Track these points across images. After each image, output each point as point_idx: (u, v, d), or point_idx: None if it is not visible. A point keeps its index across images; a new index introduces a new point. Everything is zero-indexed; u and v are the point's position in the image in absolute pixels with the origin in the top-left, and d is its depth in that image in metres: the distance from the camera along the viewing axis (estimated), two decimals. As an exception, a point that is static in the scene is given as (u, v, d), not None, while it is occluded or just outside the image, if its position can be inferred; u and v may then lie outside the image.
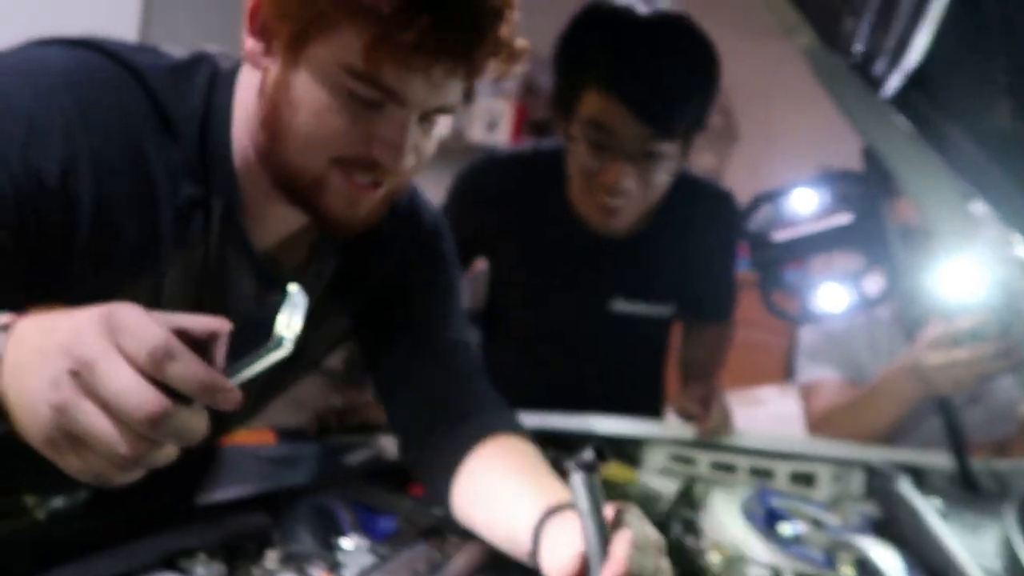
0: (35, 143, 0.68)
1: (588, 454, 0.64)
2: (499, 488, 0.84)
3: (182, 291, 0.80)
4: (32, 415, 0.50)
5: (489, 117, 4.11)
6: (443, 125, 0.80)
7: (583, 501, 0.64)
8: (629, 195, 1.26)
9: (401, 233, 0.97)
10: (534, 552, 0.73)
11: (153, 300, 0.78)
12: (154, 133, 0.75)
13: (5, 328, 0.53)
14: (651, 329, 1.54)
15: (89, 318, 0.50)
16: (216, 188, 0.79)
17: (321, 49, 0.70)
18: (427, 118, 0.76)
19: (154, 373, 0.48)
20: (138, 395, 0.47)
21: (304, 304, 0.57)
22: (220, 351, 0.53)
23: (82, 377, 0.48)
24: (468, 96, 0.79)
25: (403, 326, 0.99)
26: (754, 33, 3.22)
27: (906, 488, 1.04)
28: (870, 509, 1.21)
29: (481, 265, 1.70)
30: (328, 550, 0.87)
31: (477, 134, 4.11)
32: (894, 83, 0.76)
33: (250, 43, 0.75)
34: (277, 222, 0.84)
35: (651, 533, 0.68)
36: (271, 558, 0.82)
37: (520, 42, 0.77)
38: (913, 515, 1.05)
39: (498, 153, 1.56)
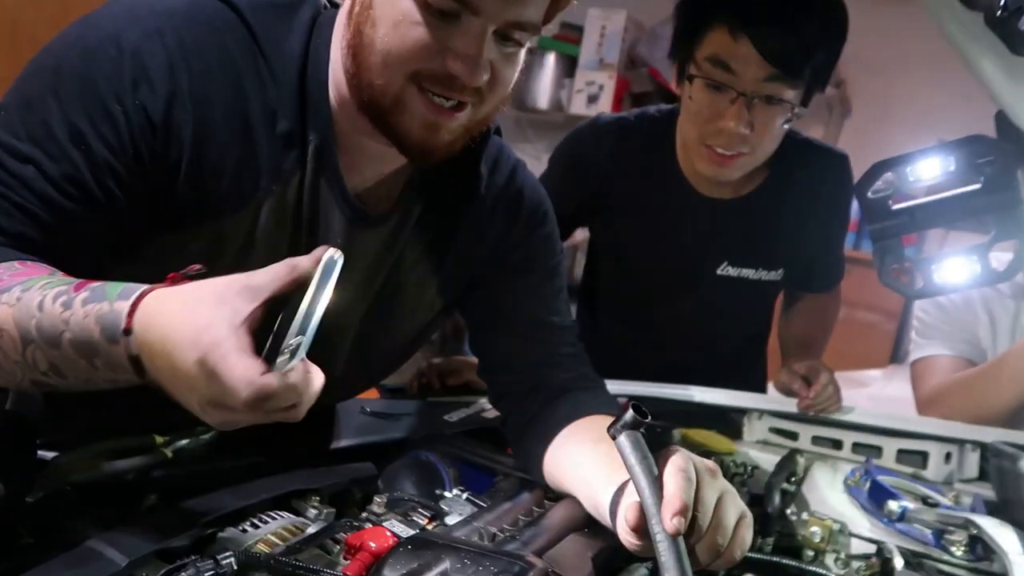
0: (142, 80, 0.73)
1: (629, 415, 0.65)
2: (584, 469, 0.85)
3: (276, 226, 0.83)
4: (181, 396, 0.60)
5: (590, 90, 4.07)
6: (522, 57, 0.80)
7: (629, 456, 0.65)
8: (744, 142, 1.24)
9: (501, 206, 0.98)
10: (613, 525, 0.74)
11: (249, 235, 0.82)
12: (254, 70, 0.79)
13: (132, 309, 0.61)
14: (757, 295, 1.51)
15: (189, 366, 0.57)
16: (312, 124, 0.81)
17: None
18: (507, 37, 0.76)
19: (257, 412, 0.58)
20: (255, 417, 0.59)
21: (337, 270, 0.60)
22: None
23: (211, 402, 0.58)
24: (547, 19, 0.78)
25: (504, 305, 1.01)
26: (872, 1, 3.07)
27: (1028, 469, 0.98)
28: (984, 492, 1.16)
29: (580, 236, 1.70)
30: (430, 499, 0.90)
31: (578, 107, 4.09)
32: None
33: None
34: (369, 164, 0.86)
35: (698, 460, 0.68)
36: (377, 503, 0.85)
37: None
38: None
39: (602, 117, 1.52)
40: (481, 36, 0.73)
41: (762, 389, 1.66)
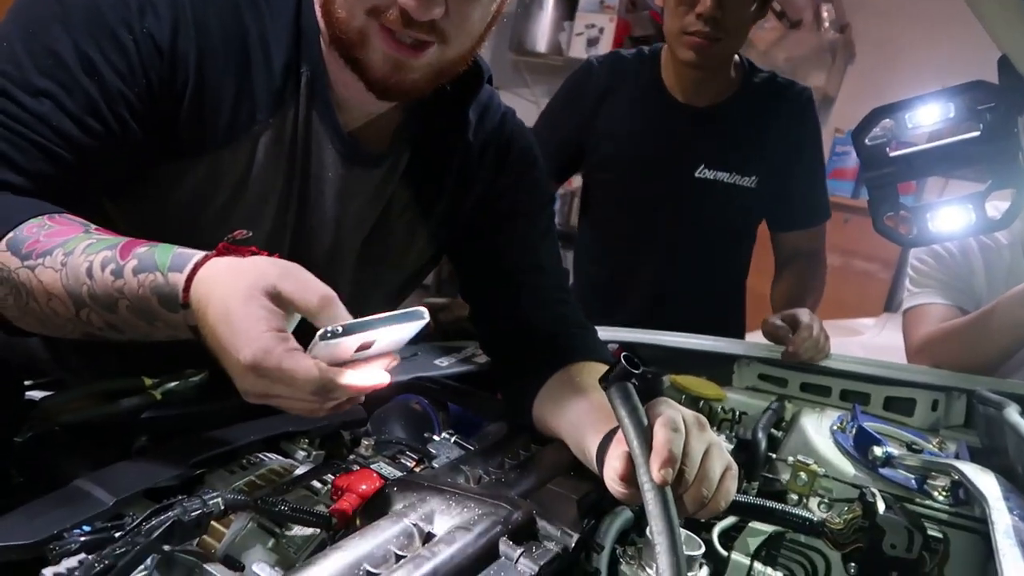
0: (147, 7, 0.73)
1: (620, 366, 0.65)
2: (573, 415, 0.85)
3: (273, 158, 0.83)
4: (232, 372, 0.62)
5: (590, 33, 4.00)
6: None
7: (619, 408, 0.65)
8: (718, 27, 1.48)
9: (490, 151, 0.98)
10: (600, 472, 0.75)
11: (246, 169, 0.82)
12: (251, 2, 0.79)
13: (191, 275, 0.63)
14: (732, 204, 1.65)
15: (243, 367, 0.59)
16: (306, 57, 0.82)
17: None
18: None
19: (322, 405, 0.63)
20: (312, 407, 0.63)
21: (421, 326, 0.63)
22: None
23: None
24: None
25: (492, 250, 1.01)
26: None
27: (1015, 416, 0.99)
28: (970, 439, 1.17)
29: (576, 182, 1.80)
30: (418, 443, 0.91)
31: (578, 50, 4.02)
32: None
33: None
34: (356, 102, 0.86)
35: (687, 413, 0.69)
36: (365, 446, 0.85)
37: None
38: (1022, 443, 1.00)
39: (599, 55, 1.76)
40: None
41: (742, 324, 1.81)
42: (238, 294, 0.60)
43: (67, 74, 0.70)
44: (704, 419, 0.70)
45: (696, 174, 1.62)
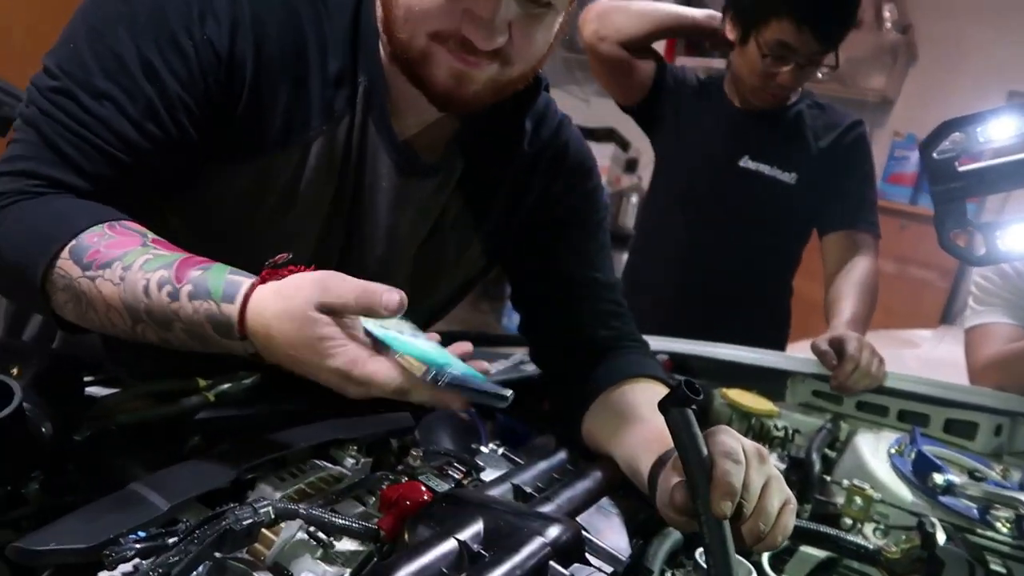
0: (208, 12, 0.73)
1: (679, 390, 0.63)
2: (625, 434, 0.84)
3: (326, 164, 0.83)
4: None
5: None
6: (556, 21, 0.79)
7: (680, 434, 0.63)
8: (793, 89, 1.68)
9: (545, 160, 0.97)
10: (652, 494, 0.74)
11: (296, 175, 0.82)
12: (310, 6, 0.79)
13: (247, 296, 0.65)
14: (774, 197, 1.75)
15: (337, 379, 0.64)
16: (363, 66, 0.82)
17: None
18: (533, 1, 0.74)
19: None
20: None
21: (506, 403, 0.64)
22: None
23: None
24: None
25: (546, 258, 1.00)
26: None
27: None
28: (1036, 467, 1.12)
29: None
30: (466, 454, 0.90)
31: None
32: None
33: None
34: (413, 111, 0.86)
35: (747, 444, 0.67)
36: (413, 456, 0.85)
37: None
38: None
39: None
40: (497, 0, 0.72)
41: (783, 339, 1.89)
42: (295, 321, 0.62)
43: (129, 79, 0.71)
44: (765, 451, 0.68)
45: (740, 163, 1.76)
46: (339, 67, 0.81)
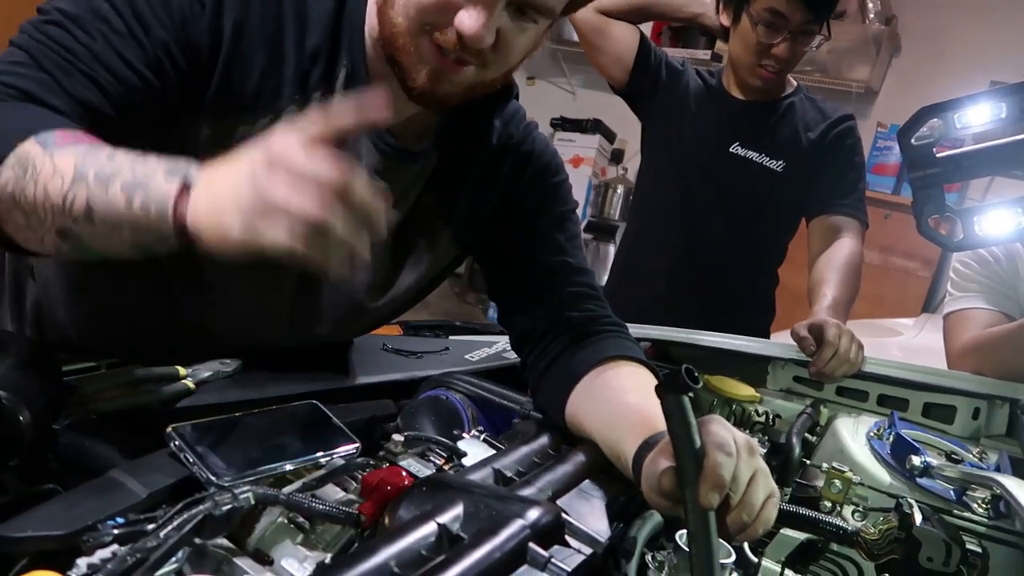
0: None
1: (678, 377, 0.63)
2: (609, 417, 0.84)
3: None
4: (232, 205, 0.57)
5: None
6: (539, 32, 0.81)
7: (675, 422, 0.63)
8: (788, 63, 1.70)
9: (512, 155, 0.99)
10: (636, 478, 0.74)
11: None
12: None
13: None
14: (762, 183, 1.79)
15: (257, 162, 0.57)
16: (345, 49, 0.84)
17: None
18: (522, 11, 0.77)
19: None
20: (327, 165, 0.55)
21: None
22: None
23: (273, 166, 0.56)
24: (565, 12, 0.82)
25: (518, 247, 1.01)
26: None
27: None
28: (1012, 449, 1.14)
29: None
30: (447, 439, 0.91)
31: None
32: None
33: None
34: (394, 100, 0.86)
35: (738, 436, 0.68)
36: (394, 442, 0.85)
37: None
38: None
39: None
40: (492, 2, 0.75)
41: (766, 327, 1.92)
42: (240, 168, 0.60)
43: (120, 21, 0.74)
44: (755, 443, 0.69)
45: (730, 149, 1.82)
46: (317, 44, 0.83)
